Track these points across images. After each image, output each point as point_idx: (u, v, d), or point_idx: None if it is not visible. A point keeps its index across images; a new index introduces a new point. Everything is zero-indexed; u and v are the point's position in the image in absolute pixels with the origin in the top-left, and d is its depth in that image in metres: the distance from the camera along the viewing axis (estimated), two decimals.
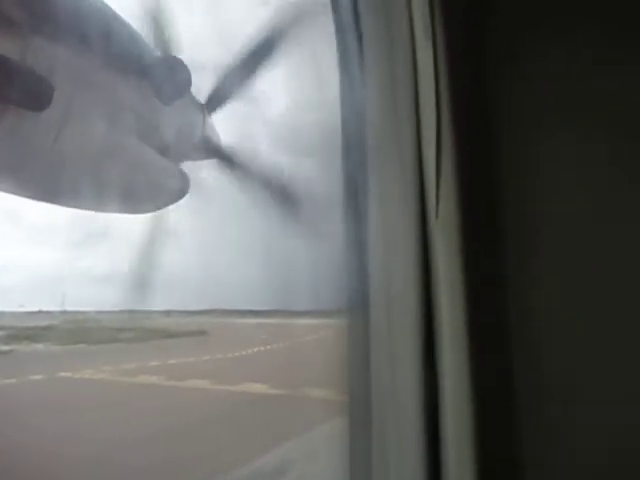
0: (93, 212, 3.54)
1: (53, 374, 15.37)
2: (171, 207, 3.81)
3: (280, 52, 3.41)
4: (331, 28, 1.41)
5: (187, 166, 3.78)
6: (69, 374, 15.66)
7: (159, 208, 3.74)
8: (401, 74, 1.18)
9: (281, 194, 3.75)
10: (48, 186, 2.87)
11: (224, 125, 3.86)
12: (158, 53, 3.17)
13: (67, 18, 2.44)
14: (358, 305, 1.37)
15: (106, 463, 7.38)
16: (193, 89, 3.52)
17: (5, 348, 23.96)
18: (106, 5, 2.79)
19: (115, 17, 2.83)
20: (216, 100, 3.74)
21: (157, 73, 3.01)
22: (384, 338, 1.22)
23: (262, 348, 26.16)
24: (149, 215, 3.94)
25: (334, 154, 1.41)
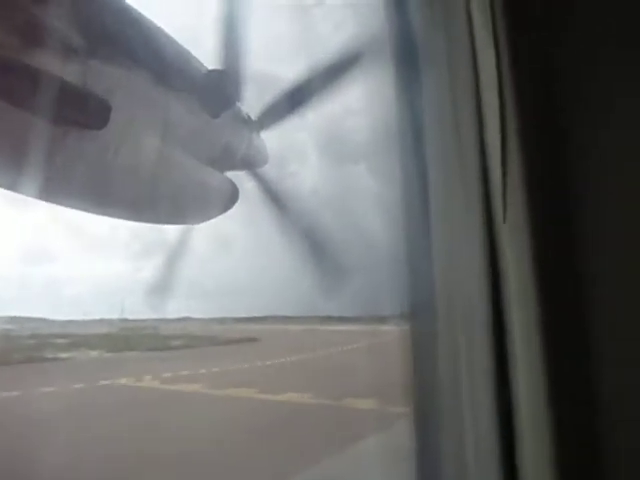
0: (150, 225, 3.67)
1: (96, 382, 15.42)
2: (222, 217, 3.89)
3: (347, 79, 3.39)
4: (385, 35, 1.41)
5: (238, 175, 3.86)
6: (109, 382, 15.64)
7: (210, 218, 3.83)
8: (462, 78, 1.15)
9: (311, 247, 3.77)
10: (106, 200, 3.00)
11: (274, 133, 3.91)
12: (205, 68, 3.25)
13: (122, 41, 2.55)
14: (421, 311, 1.35)
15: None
16: (251, 103, 3.62)
17: (64, 355, 25.18)
18: (157, 26, 2.89)
19: (165, 37, 2.93)
20: (271, 116, 3.80)
21: (206, 87, 3.09)
22: (452, 345, 1.20)
23: (311, 355, 26.01)
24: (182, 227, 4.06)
25: (390, 160, 1.40)
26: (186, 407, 12.68)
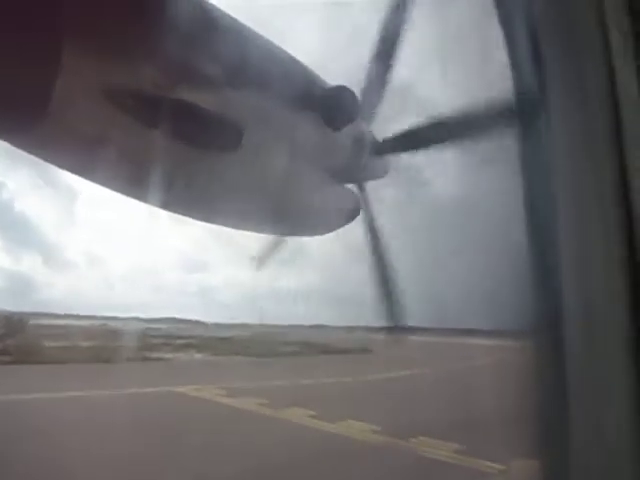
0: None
1: (158, 388, 15.18)
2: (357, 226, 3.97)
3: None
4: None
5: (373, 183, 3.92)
6: (166, 389, 15.26)
7: (336, 229, 3.93)
8: (595, 92, 1.06)
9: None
10: (239, 216, 3.23)
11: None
12: (327, 85, 3.36)
13: (253, 69, 2.75)
14: (547, 327, 1.25)
15: None
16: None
17: (168, 356, 26.81)
18: (282, 49, 3.07)
19: (290, 58, 3.10)
20: (367, 109, 3.76)
21: (327, 103, 3.20)
22: (586, 365, 1.10)
23: (420, 371, 23.83)
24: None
25: (514, 162, 1.33)
26: (224, 425, 11.37)
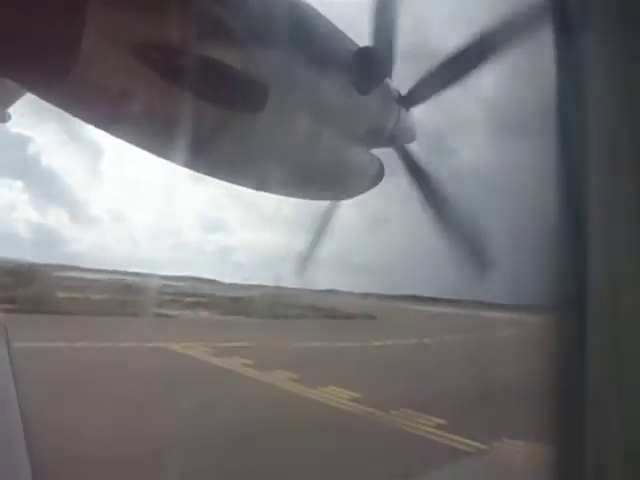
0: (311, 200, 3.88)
1: (147, 343, 15.23)
2: (379, 194, 3.92)
3: (494, 59, 3.12)
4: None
5: (387, 152, 3.85)
6: (160, 344, 15.31)
7: (357, 194, 3.90)
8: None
9: (468, 246, 3.55)
10: (262, 177, 3.22)
11: (433, 108, 3.75)
12: (356, 45, 3.27)
13: (277, 24, 2.69)
14: (571, 302, 1.24)
15: None
16: (395, 79, 3.54)
17: (172, 313, 27.28)
18: (310, 6, 2.98)
19: (318, 16, 3.01)
20: (420, 94, 3.67)
21: (355, 64, 3.12)
22: (609, 342, 1.09)
23: (422, 341, 23.56)
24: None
25: (549, 136, 1.28)
26: (203, 383, 11.37)
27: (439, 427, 9.35)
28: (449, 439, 8.74)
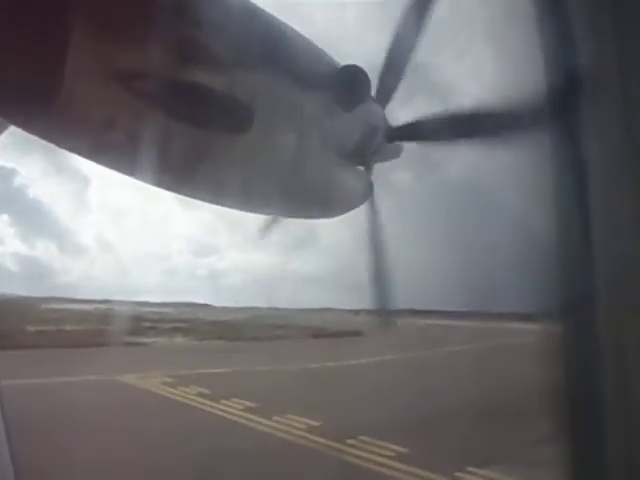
0: (299, 220, 3.84)
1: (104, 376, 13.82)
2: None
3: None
4: None
5: (377, 168, 3.84)
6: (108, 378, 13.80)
7: (346, 212, 3.89)
8: None
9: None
10: (248, 198, 3.20)
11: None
12: (338, 64, 3.29)
13: (262, 49, 2.70)
14: (576, 310, 1.23)
15: None
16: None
17: (146, 340, 25.55)
18: (291, 28, 3.01)
19: (299, 37, 3.03)
20: (384, 92, 3.62)
21: (338, 83, 3.14)
22: (619, 350, 1.07)
23: (406, 356, 22.47)
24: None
25: (545, 143, 1.28)
26: (141, 418, 10.52)
27: (397, 457, 8.35)
28: (404, 472, 7.77)
